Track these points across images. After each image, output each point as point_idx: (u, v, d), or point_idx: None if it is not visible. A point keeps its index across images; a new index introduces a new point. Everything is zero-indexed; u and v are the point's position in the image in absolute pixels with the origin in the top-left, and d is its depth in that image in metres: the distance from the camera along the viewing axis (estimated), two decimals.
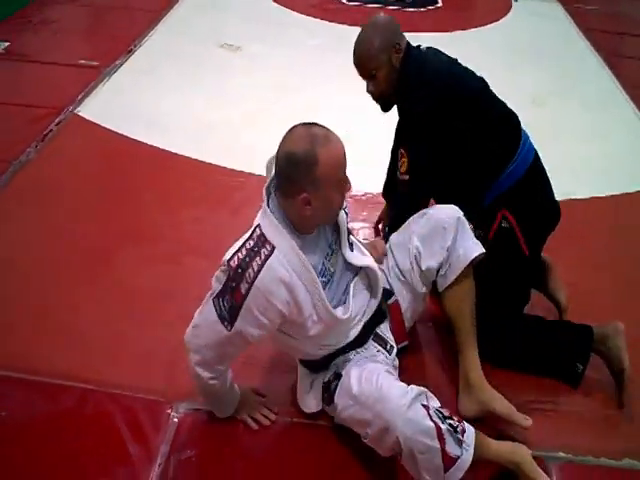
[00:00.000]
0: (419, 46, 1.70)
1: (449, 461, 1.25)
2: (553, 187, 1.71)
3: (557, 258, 1.87)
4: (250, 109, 2.95)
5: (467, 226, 1.50)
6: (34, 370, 1.61)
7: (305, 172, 1.22)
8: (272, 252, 1.23)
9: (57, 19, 3.88)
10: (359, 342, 1.45)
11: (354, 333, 1.42)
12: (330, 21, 4.11)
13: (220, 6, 4.26)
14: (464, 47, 3.75)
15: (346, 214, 1.43)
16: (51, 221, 2.18)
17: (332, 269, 1.36)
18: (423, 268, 1.50)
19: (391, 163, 1.89)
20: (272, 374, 1.66)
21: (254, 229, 1.28)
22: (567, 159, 2.62)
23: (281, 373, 1.64)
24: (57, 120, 2.75)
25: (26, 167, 2.45)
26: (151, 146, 2.62)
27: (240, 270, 1.23)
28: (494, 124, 1.64)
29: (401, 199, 1.71)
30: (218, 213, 2.26)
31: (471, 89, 1.63)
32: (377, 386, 1.32)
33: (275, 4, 4.33)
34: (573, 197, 2.34)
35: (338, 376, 1.42)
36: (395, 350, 1.51)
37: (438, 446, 1.24)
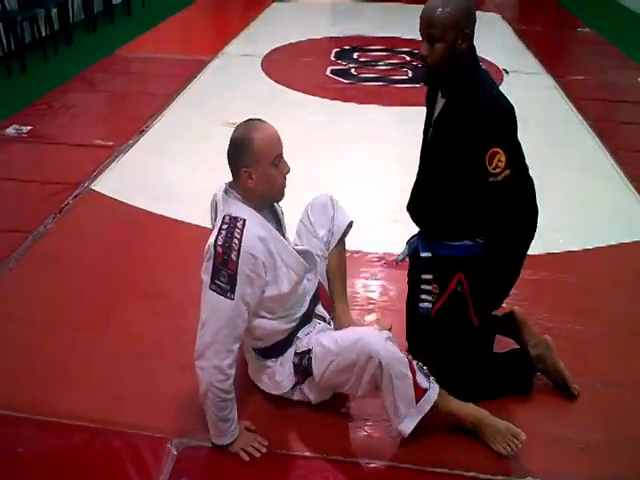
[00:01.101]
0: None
1: (419, 392, 1.65)
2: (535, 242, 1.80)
3: (537, 306, 2.15)
4: None
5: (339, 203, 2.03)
6: (49, 412, 1.88)
7: (243, 150, 1.63)
8: (244, 222, 1.63)
9: (76, 104, 4.45)
10: (308, 317, 1.86)
11: (306, 303, 1.85)
12: (330, 99, 4.60)
13: (226, 88, 4.81)
14: None
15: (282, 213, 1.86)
16: (67, 283, 2.51)
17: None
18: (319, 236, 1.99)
19: (422, 174, 1.92)
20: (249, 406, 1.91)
21: (222, 218, 1.65)
22: (549, 216, 2.94)
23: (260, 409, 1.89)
24: (73, 194, 3.16)
25: (45, 236, 2.82)
26: (160, 215, 2.99)
27: (227, 245, 1.59)
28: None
29: (512, 198, 1.67)
30: None
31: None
32: (353, 334, 1.72)
33: (278, 85, 4.87)
34: (551, 252, 2.64)
35: (307, 351, 1.77)
36: (332, 323, 1.96)
37: (410, 375, 1.64)
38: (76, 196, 3.16)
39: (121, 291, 2.47)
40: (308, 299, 1.87)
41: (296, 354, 1.81)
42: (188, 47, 5.81)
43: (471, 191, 1.71)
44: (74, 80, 4.88)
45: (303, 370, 1.79)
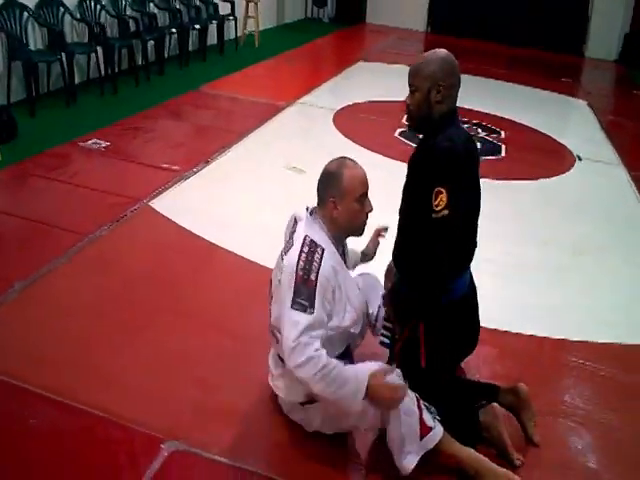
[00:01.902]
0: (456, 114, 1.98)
1: (425, 429, 1.79)
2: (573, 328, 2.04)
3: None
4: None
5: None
6: (67, 394, 2.13)
7: (333, 182, 1.89)
8: (323, 251, 1.85)
9: (154, 129, 4.93)
10: (340, 359, 1.87)
11: (343, 347, 2.02)
12: (392, 159, 4.84)
13: (295, 135, 5.18)
14: (518, 194, 4.39)
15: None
16: (110, 286, 2.80)
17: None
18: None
19: (402, 224, 2.06)
20: (249, 431, 2.06)
21: (304, 239, 1.86)
22: (594, 305, 3.02)
23: (258, 430, 2.04)
24: (132, 208, 3.52)
25: (97, 242, 3.16)
26: (206, 240, 3.27)
27: (307, 267, 1.80)
28: (471, 228, 2.00)
29: (442, 237, 1.85)
30: (248, 302, 2.78)
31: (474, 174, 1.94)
32: (367, 365, 1.85)
33: (345, 139, 5.18)
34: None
35: None
36: None
37: (417, 412, 1.78)
38: (134, 210, 3.51)
39: (157, 302, 2.73)
40: (346, 344, 2.04)
41: None
42: (268, 92, 6.27)
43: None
44: (158, 107, 5.41)
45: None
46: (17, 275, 2.80)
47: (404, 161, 4.67)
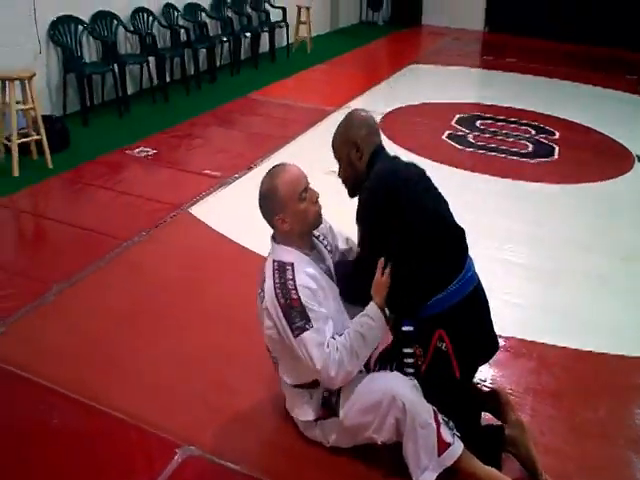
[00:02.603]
0: (382, 150, 2.01)
1: (443, 445, 1.70)
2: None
3: None
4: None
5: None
6: (88, 394, 2.18)
7: (271, 200, 1.85)
8: (292, 265, 1.82)
9: (201, 136, 5.03)
10: None
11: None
12: (439, 163, 4.73)
13: None
14: (569, 198, 4.18)
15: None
16: (140, 292, 2.85)
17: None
18: None
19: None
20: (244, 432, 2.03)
21: (272, 264, 1.84)
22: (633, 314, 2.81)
23: (276, 439, 2.01)
24: (171, 214, 3.59)
25: (134, 247, 3.23)
26: (240, 245, 3.28)
27: (284, 290, 1.78)
28: (435, 243, 1.88)
29: (355, 267, 2.03)
30: None
31: (412, 200, 1.89)
32: (383, 376, 1.84)
33: (391, 142, 5.06)
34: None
35: (337, 392, 1.86)
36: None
37: (434, 425, 1.70)
38: (173, 216, 3.58)
39: (187, 306, 2.76)
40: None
41: (327, 389, 1.90)
42: (317, 97, 6.28)
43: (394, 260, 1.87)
44: (206, 115, 5.52)
45: (330, 406, 1.89)
46: (56, 278, 2.90)
47: (451, 164, 4.76)
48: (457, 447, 1.74)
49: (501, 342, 2.58)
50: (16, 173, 4.08)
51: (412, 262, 1.85)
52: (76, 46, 5.19)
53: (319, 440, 1.97)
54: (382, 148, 2.02)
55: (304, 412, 1.94)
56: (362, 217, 1.92)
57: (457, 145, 5.14)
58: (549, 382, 2.40)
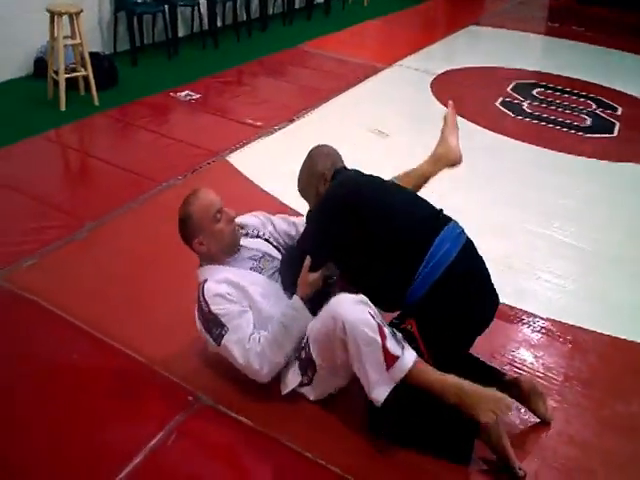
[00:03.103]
0: (345, 169, 2.05)
1: (390, 359, 1.60)
2: None
3: None
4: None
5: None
6: (108, 332, 2.17)
7: (186, 227, 1.93)
8: (204, 281, 1.91)
9: (246, 84, 4.91)
10: None
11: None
12: (492, 130, 4.49)
13: (387, 98, 4.94)
14: (619, 177, 3.92)
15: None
16: (168, 234, 2.77)
17: (262, 266, 2.02)
18: None
19: None
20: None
21: (197, 288, 1.91)
22: None
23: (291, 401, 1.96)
24: (209, 161, 3.51)
25: (168, 190, 3.18)
26: (271, 195, 3.20)
27: (200, 309, 1.89)
28: (395, 245, 1.79)
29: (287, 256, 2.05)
30: None
31: (363, 203, 1.85)
32: (330, 302, 1.74)
33: (440, 105, 4.86)
34: None
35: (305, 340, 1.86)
36: None
37: (379, 340, 1.60)
38: (210, 162, 3.51)
39: None
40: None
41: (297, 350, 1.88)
42: (368, 53, 6.04)
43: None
44: (254, 63, 5.37)
45: (307, 361, 1.83)
46: (90, 215, 2.89)
47: (502, 133, 4.52)
48: (407, 359, 1.63)
49: (537, 323, 2.51)
50: (63, 107, 4.06)
51: (372, 265, 1.80)
52: None
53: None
54: (344, 168, 2.06)
55: (285, 385, 1.92)
56: (314, 216, 1.98)
57: (510, 113, 4.87)
58: (581, 369, 2.26)
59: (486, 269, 1.86)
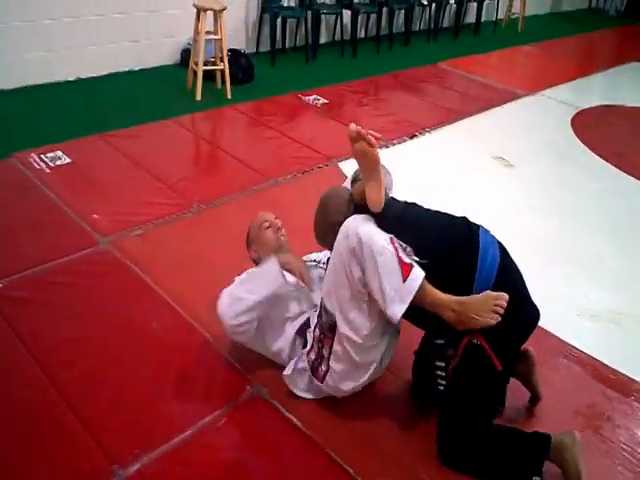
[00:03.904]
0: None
1: (405, 268, 1.59)
2: None
3: None
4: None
5: None
6: (193, 315, 2.29)
7: (246, 240, 2.22)
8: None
9: (375, 95, 4.98)
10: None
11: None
12: (630, 174, 4.16)
13: (520, 126, 4.75)
14: None
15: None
16: None
17: None
18: None
19: None
20: None
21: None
22: None
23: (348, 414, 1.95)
24: (321, 164, 3.60)
25: (276, 186, 3.30)
26: None
27: None
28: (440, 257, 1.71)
29: None
30: None
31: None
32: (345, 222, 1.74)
33: (578, 141, 4.59)
34: None
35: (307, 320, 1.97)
36: None
37: (392, 249, 1.62)
38: (322, 166, 3.59)
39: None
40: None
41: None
42: (511, 78, 5.84)
43: None
44: (388, 75, 5.42)
45: (325, 326, 1.80)
46: (199, 198, 3.08)
47: None
48: (419, 270, 1.63)
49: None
50: (198, 97, 4.37)
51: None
52: None
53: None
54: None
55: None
56: None
57: None
58: None
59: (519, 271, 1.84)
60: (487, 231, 1.81)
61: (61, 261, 2.49)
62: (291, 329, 1.99)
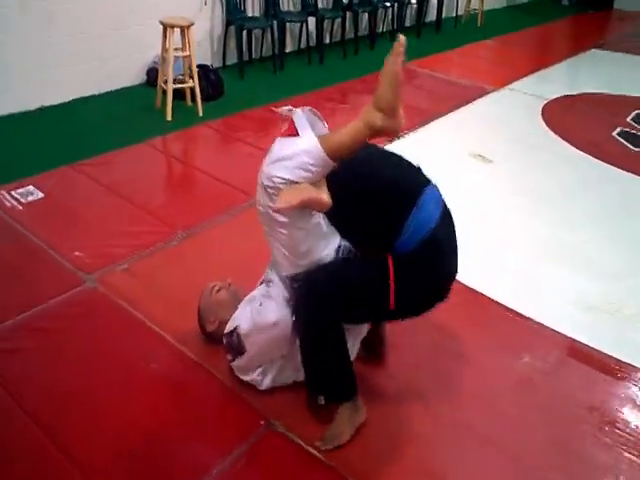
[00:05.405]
0: None
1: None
2: None
3: None
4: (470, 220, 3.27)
5: None
6: (193, 351, 2.18)
7: (200, 318, 2.19)
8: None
9: (345, 102, 4.91)
10: None
11: None
12: (605, 161, 4.17)
13: (493, 121, 4.74)
14: None
15: None
16: (254, 248, 2.79)
17: None
18: None
19: None
20: None
21: None
22: None
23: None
24: None
25: None
26: None
27: None
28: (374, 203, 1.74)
29: None
30: None
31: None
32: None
33: (550, 132, 4.60)
34: None
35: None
36: None
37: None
38: None
39: None
40: None
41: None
42: (477, 74, 5.84)
43: None
44: (357, 81, 5.35)
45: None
46: (183, 224, 2.96)
47: (617, 165, 4.18)
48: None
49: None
50: (169, 117, 4.23)
51: (360, 214, 1.76)
52: (240, 0, 5.24)
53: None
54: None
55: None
56: None
57: (629, 145, 4.50)
58: None
59: (456, 238, 1.84)
60: (436, 189, 1.81)
61: (46, 306, 2.35)
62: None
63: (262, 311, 1.87)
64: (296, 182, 1.61)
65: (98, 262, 2.62)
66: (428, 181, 1.80)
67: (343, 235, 1.81)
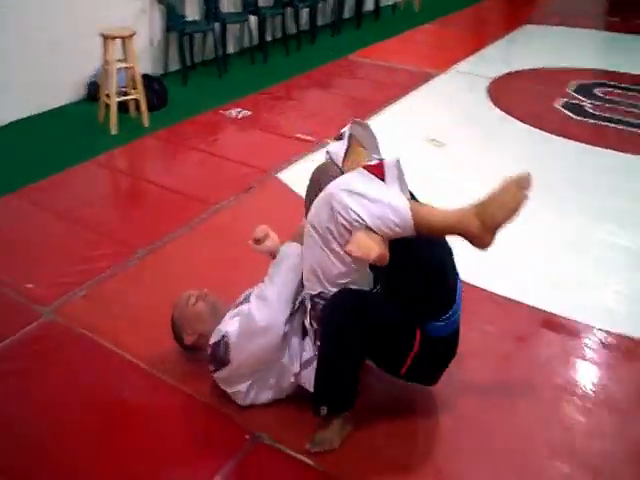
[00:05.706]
0: None
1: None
2: None
3: None
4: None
5: None
6: (164, 370, 2.08)
7: (176, 329, 2.07)
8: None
9: (296, 98, 4.83)
10: None
11: None
12: (552, 133, 4.23)
13: (442, 104, 4.75)
14: None
15: None
16: (220, 262, 2.70)
17: None
18: None
19: None
20: None
21: None
22: None
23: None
24: (260, 179, 3.42)
25: (222, 211, 3.11)
26: None
27: None
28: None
29: None
30: None
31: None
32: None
33: (497, 110, 4.64)
34: None
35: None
36: None
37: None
38: (262, 180, 3.42)
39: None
40: None
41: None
42: (420, 59, 5.85)
43: None
44: (303, 76, 5.29)
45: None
46: (141, 241, 2.83)
47: (564, 136, 4.24)
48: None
49: (611, 340, 2.29)
50: (114, 131, 4.07)
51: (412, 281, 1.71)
52: (179, 4, 5.08)
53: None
54: None
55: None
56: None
57: (572, 115, 4.58)
58: None
59: None
60: (460, 286, 1.79)
61: (2, 346, 2.18)
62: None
63: (252, 315, 1.79)
64: (371, 229, 1.57)
65: (54, 292, 2.46)
66: (457, 273, 1.79)
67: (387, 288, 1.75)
